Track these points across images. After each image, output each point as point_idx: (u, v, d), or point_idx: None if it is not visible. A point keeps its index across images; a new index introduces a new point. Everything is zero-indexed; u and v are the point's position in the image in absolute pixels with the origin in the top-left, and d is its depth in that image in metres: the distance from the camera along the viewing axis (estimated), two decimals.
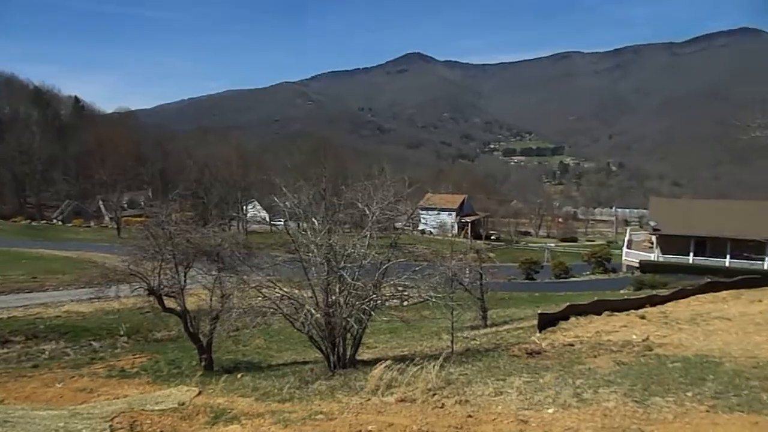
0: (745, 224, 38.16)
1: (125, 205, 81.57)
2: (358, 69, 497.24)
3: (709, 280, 27.35)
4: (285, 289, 14.80)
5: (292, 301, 14.45)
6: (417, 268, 16.02)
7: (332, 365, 14.15)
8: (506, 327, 22.04)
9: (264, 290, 14.62)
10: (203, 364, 17.20)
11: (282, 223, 18.26)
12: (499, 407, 8.70)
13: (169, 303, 17.45)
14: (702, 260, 42.97)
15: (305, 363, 17.11)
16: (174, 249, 16.77)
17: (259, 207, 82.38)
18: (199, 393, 12.93)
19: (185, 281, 17.38)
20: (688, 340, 14.43)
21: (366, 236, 15.12)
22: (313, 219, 15.78)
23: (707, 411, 7.71)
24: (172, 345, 22.18)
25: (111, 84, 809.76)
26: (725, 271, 36.02)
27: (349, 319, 13.79)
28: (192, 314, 17.50)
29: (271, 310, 14.53)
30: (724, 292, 25.40)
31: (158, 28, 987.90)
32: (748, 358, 11.41)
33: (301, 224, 16.76)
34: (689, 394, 8.50)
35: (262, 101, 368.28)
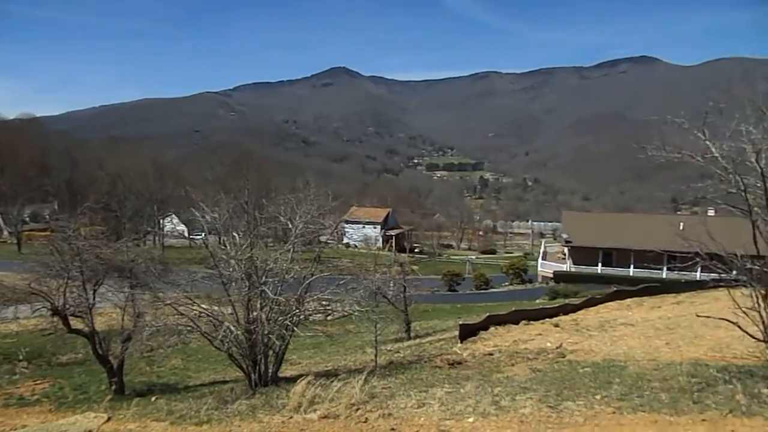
0: (646, 236, 41.22)
1: (27, 219, 75.66)
2: (283, 81, 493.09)
3: (615, 288, 29.26)
4: (203, 306, 14.24)
5: (210, 318, 13.91)
6: (341, 282, 15.96)
7: (253, 384, 13.73)
8: (429, 338, 22.39)
9: (181, 308, 13.98)
10: (113, 387, 16.16)
11: (201, 237, 17.65)
12: (422, 419, 8.79)
13: (76, 324, 16.30)
14: (609, 270, 45.99)
15: (225, 382, 16.51)
16: (82, 265, 15.72)
17: (176, 221, 79.14)
18: (108, 419, 12.11)
19: (94, 300, 16.32)
20: (597, 346, 15.29)
21: (289, 250, 14.89)
22: (234, 233, 15.35)
23: (614, 412, 8.18)
24: (79, 369, 20.68)
25: (14, 89, 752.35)
26: (629, 279, 38.72)
27: (271, 336, 13.46)
28: (101, 335, 16.43)
29: (188, 328, 13.91)
30: (629, 299, 27.24)
31: (67, 32, 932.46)
32: (649, 361, 12.25)
33: (221, 238, 16.25)
34: (598, 397, 8.99)
35: (181, 111, 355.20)
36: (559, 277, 46.16)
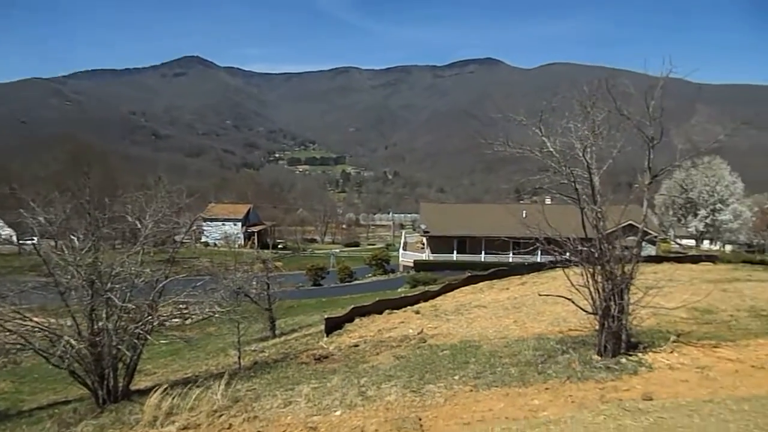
0: (494, 225, 44.62)
1: None
2: (129, 69, 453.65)
3: (469, 274, 31.30)
4: (37, 320, 12.58)
5: (46, 332, 12.34)
6: (199, 283, 15.11)
7: (101, 401, 12.45)
8: (295, 335, 22.14)
9: (8, 323, 12.21)
10: None
11: (32, 242, 15.53)
12: (289, 418, 8.62)
13: None
14: (463, 257, 49.22)
15: (67, 403, 14.78)
16: None
17: (1, 224, 69.22)
18: None
19: None
20: (454, 329, 16.23)
21: (138, 252, 13.71)
22: (73, 236, 13.74)
23: (471, 390, 8.72)
24: None
25: None
26: (481, 265, 41.68)
27: (120, 347, 12.31)
28: None
29: (19, 346, 12.23)
30: (481, 283, 29.36)
31: None
32: (500, 339, 13.29)
33: (57, 242, 14.45)
34: (456, 377, 9.52)
35: (3, 99, 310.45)
36: (419, 265, 48.34)
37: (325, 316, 20.59)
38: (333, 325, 19.66)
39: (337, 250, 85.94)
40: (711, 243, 61.60)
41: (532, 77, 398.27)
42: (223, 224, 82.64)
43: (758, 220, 56.64)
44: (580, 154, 10.03)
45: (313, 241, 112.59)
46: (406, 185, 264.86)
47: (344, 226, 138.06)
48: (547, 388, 8.24)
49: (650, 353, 9.79)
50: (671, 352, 9.86)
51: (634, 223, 11.03)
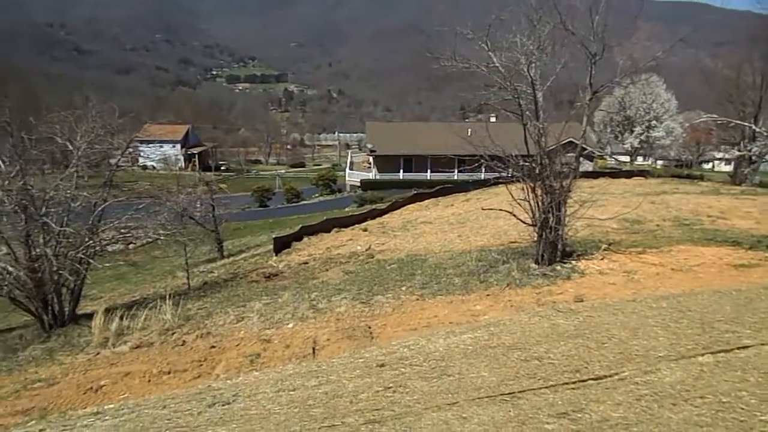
0: (439, 143, 44.92)
1: None
2: None
3: (415, 191, 31.83)
4: None
5: None
6: (141, 206, 14.71)
7: (47, 326, 12.30)
8: (243, 255, 22.21)
9: None
10: None
11: None
12: (242, 332, 8.86)
13: None
14: (410, 175, 49.76)
15: (11, 330, 14.52)
16: None
17: None
18: None
19: None
20: (401, 245, 16.71)
21: (72, 175, 13.09)
22: None
23: (417, 299, 9.18)
24: None
25: None
26: (427, 183, 42.33)
27: (61, 272, 12.03)
28: None
29: None
30: (427, 200, 30.01)
31: None
32: (445, 252, 13.85)
33: None
34: (403, 288, 9.96)
35: None
36: (365, 185, 48.59)
37: (274, 236, 20.67)
38: (282, 245, 19.81)
39: (283, 171, 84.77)
40: (644, 159, 64.65)
41: None
42: (161, 146, 79.26)
43: (688, 136, 59.55)
44: (525, 70, 10.11)
45: (258, 162, 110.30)
46: (352, 104, 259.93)
47: (289, 146, 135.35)
48: (488, 295, 8.77)
49: (583, 260, 10.50)
50: (602, 259, 10.61)
51: (574, 140, 11.41)
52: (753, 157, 31.20)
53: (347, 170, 56.28)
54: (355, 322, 8.43)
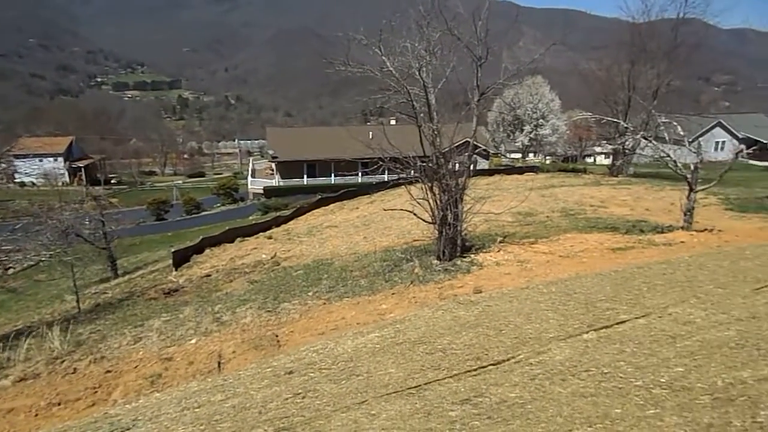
0: (342, 147, 45.18)
1: None
2: None
3: (320, 196, 31.75)
4: None
5: None
6: (17, 226, 13.45)
7: None
8: (140, 272, 20.97)
9: None
10: None
11: None
12: (140, 353, 8.39)
13: None
14: (314, 181, 49.53)
15: None
16: None
17: None
18: None
19: None
20: (307, 250, 16.61)
21: None
22: None
23: (324, 303, 9.18)
24: None
25: None
26: (331, 187, 42.32)
27: None
28: None
29: None
30: (332, 204, 30.04)
31: None
32: (351, 255, 13.95)
33: None
34: (310, 293, 9.92)
35: None
36: (269, 192, 47.67)
37: (173, 250, 19.71)
38: (181, 258, 18.94)
39: (180, 182, 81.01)
40: (534, 155, 68.91)
41: None
42: (41, 160, 72.74)
43: (571, 133, 64.29)
44: (417, 74, 10.45)
45: (152, 173, 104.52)
46: (251, 110, 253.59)
47: (186, 155, 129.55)
48: (393, 293, 8.97)
49: (481, 254, 11.03)
50: (498, 251, 11.21)
51: (469, 140, 11.96)
52: (626, 150, 34.39)
53: (249, 178, 54.89)
54: (262, 331, 8.28)
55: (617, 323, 6.49)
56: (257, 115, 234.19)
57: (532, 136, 59.33)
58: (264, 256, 16.76)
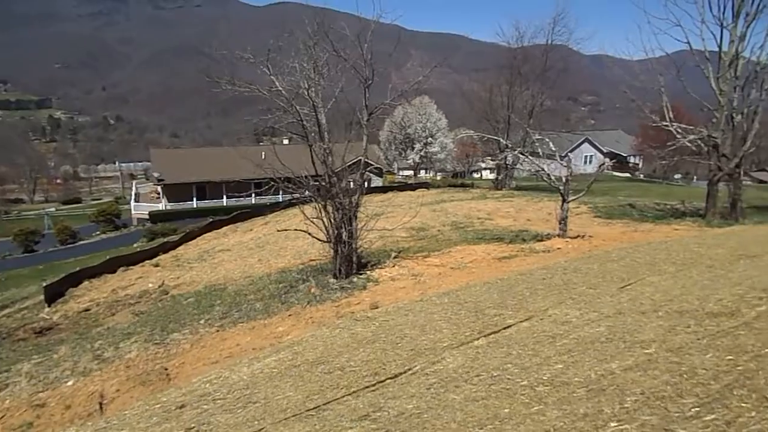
0: (234, 168, 43.93)
1: None
2: None
3: (211, 219, 30.54)
4: None
5: None
6: None
7: None
8: (6, 311, 18.78)
9: None
10: None
11: None
12: (7, 402, 7.53)
13: None
14: (205, 203, 47.59)
15: None
16: None
17: None
18: None
19: None
20: (198, 276, 15.87)
21: None
22: None
23: (217, 331, 8.81)
24: None
25: None
26: (224, 209, 40.91)
27: None
28: None
29: None
30: (224, 227, 29.02)
31: None
32: (246, 278, 13.54)
33: None
34: (202, 321, 9.48)
35: None
36: (155, 217, 45.01)
37: (44, 284, 17.91)
38: (55, 293, 17.26)
39: (53, 209, 74.06)
40: (426, 172, 71.46)
41: (263, 15, 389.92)
42: None
43: (459, 150, 67.47)
44: (306, 94, 10.49)
45: (19, 201, 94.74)
46: (133, 131, 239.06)
47: (59, 180, 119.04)
48: (290, 315, 8.83)
49: (377, 270, 11.20)
50: (393, 266, 11.45)
51: (362, 158, 12.16)
52: (508, 165, 36.84)
53: (133, 203, 51.49)
54: (149, 365, 7.76)
55: (504, 328, 6.88)
56: (140, 136, 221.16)
57: (422, 153, 61.61)
58: (151, 285, 15.76)
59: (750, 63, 17.33)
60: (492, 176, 53.41)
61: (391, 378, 5.90)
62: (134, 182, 65.85)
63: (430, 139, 61.10)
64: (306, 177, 11.17)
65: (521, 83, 38.41)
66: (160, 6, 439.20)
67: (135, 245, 34.90)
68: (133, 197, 53.15)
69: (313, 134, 10.83)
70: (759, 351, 4.19)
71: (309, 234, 11.10)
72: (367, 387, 5.73)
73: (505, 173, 39.07)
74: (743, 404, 2.98)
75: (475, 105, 43.96)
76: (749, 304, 5.88)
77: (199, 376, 7.03)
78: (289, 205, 15.96)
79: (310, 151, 10.83)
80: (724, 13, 17.09)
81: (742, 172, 17.92)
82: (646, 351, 4.93)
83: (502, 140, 24.63)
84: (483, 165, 67.37)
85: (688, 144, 17.84)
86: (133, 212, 50.07)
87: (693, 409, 3.17)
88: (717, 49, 17.46)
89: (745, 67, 17.27)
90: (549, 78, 38.18)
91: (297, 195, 11.70)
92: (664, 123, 18.50)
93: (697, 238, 12.74)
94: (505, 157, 29.76)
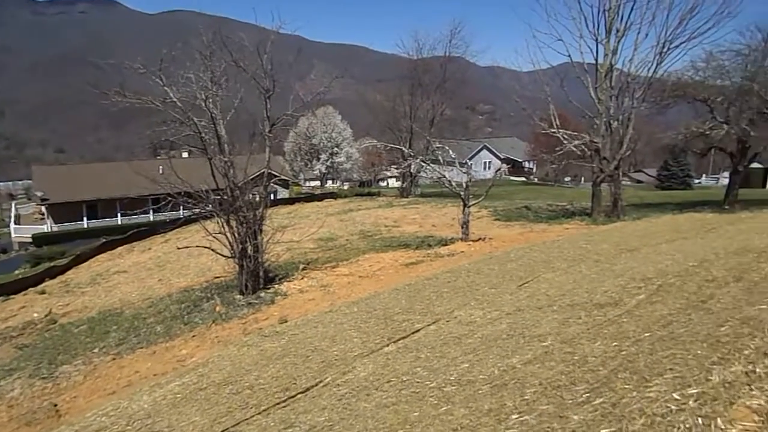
0: (128, 184, 41.39)
1: None
2: None
3: (104, 240, 28.50)
4: None
5: None
6: None
7: None
8: None
9: None
10: None
11: None
12: None
13: None
14: (96, 223, 44.31)
15: None
16: None
17: None
18: None
19: None
20: (91, 301, 14.73)
21: None
22: None
23: (113, 359, 8.22)
24: None
25: None
26: (119, 228, 38.32)
27: None
28: None
29: None
30: (120, 248, 27.19)
31: None
32: (145, 300, 12.76)
33: None
34: (96, 350, 8.79)
35: None
36: (39, 239, 41.20)
37: None
38: None
39: None
40: (333, 182, 71.43)
41: (154, 23, 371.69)
42: None
43: (364, 159, 68.14)
44: (204, 105, 10.13)
45: None
46: (11, 146, 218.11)
47: None
48: (194, 336, 8.43)
49: (285, 283, 11.01)
50: (302, 278, 11.32)
51: (272, 171, 11.93)
52: (412, 173, 37.76)
53: (13, 225, 46.86)
54: (36, 403, 7.07)
55: (413, 332, 7.02)
56: (19, 152, 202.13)
57: (328, 163, 61.63)
58: (36, 314, 14.38)
59: (622, 74, 19.08)
60: (398, 184, 54.45)
61: (302, 392, 5.81)
62: (13, 203, 60.06)
63: (335, 149, 61.31)
64: (207, 191, 10.76)
65: (422, 93, 39.59)
66: (40, 11, 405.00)
67: (16, 272, 31.67)
68: (12, 219, 48.42)
69: (212, 147, 10.46)
70: (639, 336, 4.59)
71: (212, 250, 10.69)
72: (277, 404, 5.60)
73: (409, 181, 40.00)
74: (626, 386, 3.24)
75: (379, 115, 44.70)
76: (630, 294, 6.43)
77: (94, 409, 6.50)
78: (191, 220, 15.29)
79: (210, 164, 10.44)
80: (598, 29, 18.75)
81: (620, 173, 19.62)
82: (543, 344, 5.23)
83: (405, 149, 25.25)
84: (389, 173, 68.55)
85: (574, 149, 19.26)
86: (13, 236, 45.57)
87: (584, 395, 3.41)
88: (594, 62, 19.09)
89: (619, 78, 18.99)
90: (448, 88, 39.69)
91: (198, 210, 11.23)
92: (552, 130, 19.86)
93: (585, 235, 13.76)
94: (409, 166, 30.51)
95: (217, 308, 9.54)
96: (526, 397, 3.83)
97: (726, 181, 27.26)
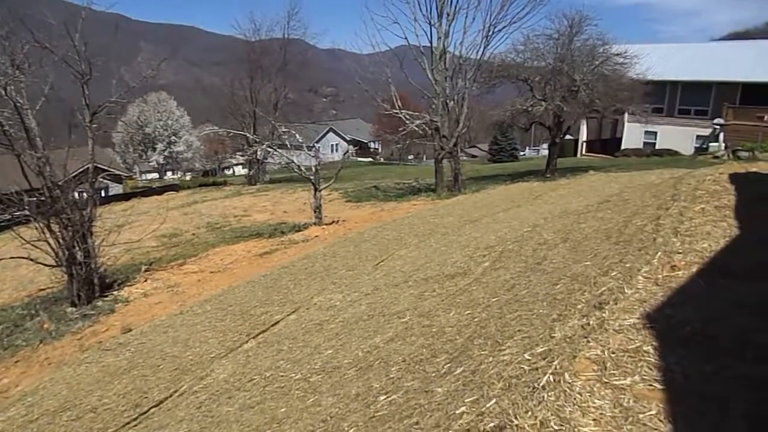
0: None
1: None
2: None
3: None
4: None
5: None
6: None
7: None
8: None
9: None
10: None
11: None
12: None
13: None
14: None
15: None
16: None
17: None
18: None
19: None
20: None
21: None
22: None
23: None
24: None
25: None
26: None
27: None
28: None
29: None
30: None
31: None
32: None
33: None
34: None
35: None
36: None
37: None
38: None
39: None
40: (173, 173, 66.68)
41: None
42: None
43: (206, 147, 64.60)
44: (3, 92, 8.67)
45: None
46: None
47: None
48: (17, 361, 7.30)
49: (126, 288, 10.02)
50: (145, 281, 10.38)
51: (99, 165, 10.61)
52: (259, 160, 36.66)
53: None
54: None
55: (273, 325, 6.79)
56: None
57: (166, 153, 57.35)
58: None
59: (455, 57, 20.27)
60: (245, 172, 52.54)
61: (155, 406, 5.32)
62: None
63: (173, 137, 57.24)
64: (18, 193, 9.29)
65: (263, 77, 38.34)
66: None
67: None
68: None
69: (21, 141, 9.01)
70: (488, 302, 4.89)
71: (31, 260, 9.30)
72: (127, 423, 5.07)
73: (257, 168, 38.79)
74: (482, 352, 3.41)
75: (218, 100, 42.55)
76: (476, 262, 6.86)
77: None
78: (0, 228, 13.19)
79: (20, 161, 8.99)
80: (431, 13, 19.64)
81: (459, 150, 20.96)
82: (403, 320, 5.36)
83: (249, 135, 24.31)
84: (234, 161, 65.86)
85: (416, 128, 20.10)
86: None
87: (445, 366, 3.52)
88: (429, 45, 20.02)
89: (452, 60, 20.14)
90: (290, 71, 38.92)
91: (8, 216, 9.69)
92: (394, 110, 20.51)
93: (432, 210, 14.49)
94: (255, 152, 29.51)
95: (45, 326, 8.34)
96: (391, 376, 3.87)
97: (546, 152, 30.60)
